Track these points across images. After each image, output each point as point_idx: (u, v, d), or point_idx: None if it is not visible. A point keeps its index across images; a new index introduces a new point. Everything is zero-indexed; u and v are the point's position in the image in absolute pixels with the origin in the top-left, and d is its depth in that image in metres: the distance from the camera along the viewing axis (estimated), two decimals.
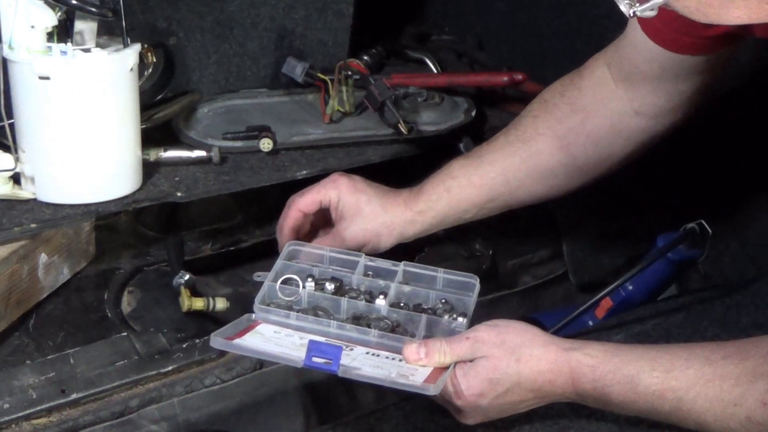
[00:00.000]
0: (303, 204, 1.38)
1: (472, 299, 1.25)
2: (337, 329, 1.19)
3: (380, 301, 1.24)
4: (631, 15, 0.87)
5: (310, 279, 1.27)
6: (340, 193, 1.38)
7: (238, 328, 1.18)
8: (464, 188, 1.40)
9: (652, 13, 0.86)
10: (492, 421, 1.19)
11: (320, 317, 1.21)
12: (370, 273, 1.31)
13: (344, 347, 1.13)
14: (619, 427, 1.20)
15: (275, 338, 1.18)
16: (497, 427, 1.21)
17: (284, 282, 1.27)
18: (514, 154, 1.40)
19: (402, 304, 1.25)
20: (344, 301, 1.24)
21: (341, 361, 1.08)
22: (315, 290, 1.26)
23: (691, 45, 1.25)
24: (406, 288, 1.28)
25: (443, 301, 1.25)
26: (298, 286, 1.26)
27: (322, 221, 1.43)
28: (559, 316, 1.41)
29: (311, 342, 1.09)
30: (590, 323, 1.60)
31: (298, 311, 1.23)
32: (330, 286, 1.26)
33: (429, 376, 1.11)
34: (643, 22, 1.27)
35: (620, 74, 1.36)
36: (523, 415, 1.20)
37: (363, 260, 1.32)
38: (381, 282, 1.28)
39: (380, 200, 1.39)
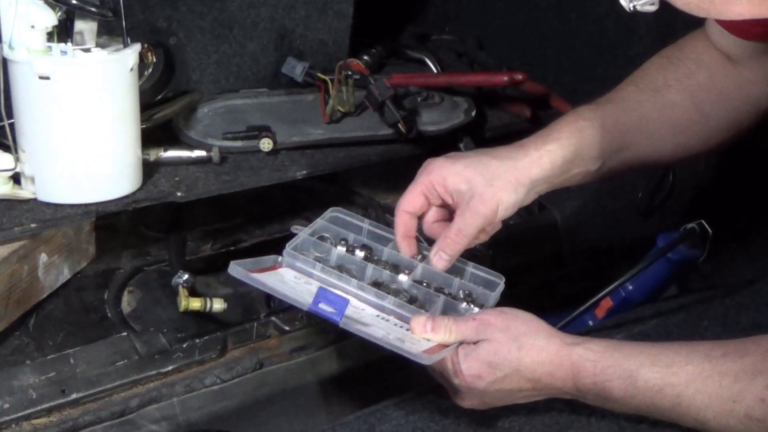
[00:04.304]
0: (407, 204, 1.26)
1: (493, 294, 1.25)
2: (356, 288, 1.21)
3: (404, 277, 1.25)
4: (631, 9, 0.87)
5: (343, 242, 1.28)
6: (445, 177, 1.23)
7: (260, 265, 1.19)
8: (597, 131, 1.25)
9: (653, 8, 0.86)
10: (491, 421, 1.19)
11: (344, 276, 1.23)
12: None
13: (354, 302, 1.14)
14: (619, 427, 1.20)
15: (292, 283, 1.18)
16: (497, 427, 1.21)
17: (319, 239, 1.28)
18: (646, 102, 1.30)
19: (424, 284, 1.26)
20: (370, 267, 1.25)
21: (345, 313, 1.08)
22: (345, 253, 1.27)
23: (762, 34, 1.23)
24: (433, 270, 1.27)
25: (467, 292, 1.25)
26: (331, 245, 1.27)
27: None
28: (559, 316, 1.41)
29: (320, 289, 1.10)
30: (590, 323, 1.60)
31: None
32: (360, 253, 1.27)
33: (429, 350, 1.12)
34: None
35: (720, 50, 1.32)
36: (523, 414, 1.20)
37: None
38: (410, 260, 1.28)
39: (490, 172, 1.22)
